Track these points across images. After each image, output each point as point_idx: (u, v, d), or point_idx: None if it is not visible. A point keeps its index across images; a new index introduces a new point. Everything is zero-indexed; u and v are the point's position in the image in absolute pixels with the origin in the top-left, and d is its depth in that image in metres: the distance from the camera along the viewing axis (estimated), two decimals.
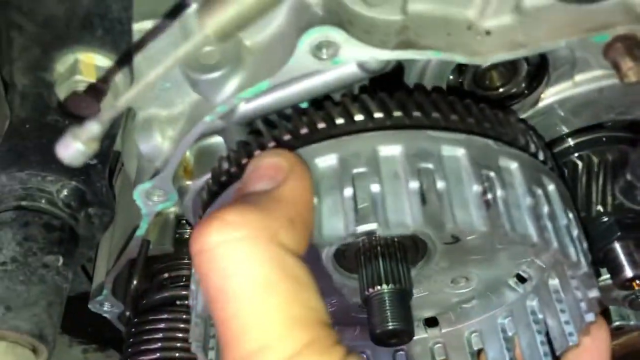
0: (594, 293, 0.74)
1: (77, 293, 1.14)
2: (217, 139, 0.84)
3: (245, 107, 0.77)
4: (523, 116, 0.85)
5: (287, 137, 0.70)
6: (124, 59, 0.74)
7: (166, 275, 1.00)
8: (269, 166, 0.64)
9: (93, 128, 0.58)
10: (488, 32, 0.73)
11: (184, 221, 0.98)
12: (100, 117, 0.59)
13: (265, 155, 0.66)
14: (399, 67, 0.78)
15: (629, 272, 0.87)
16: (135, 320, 0.98)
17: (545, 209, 0.70)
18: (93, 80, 0.75)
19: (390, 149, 0.67)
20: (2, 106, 0.80)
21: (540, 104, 0.84)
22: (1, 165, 0.87)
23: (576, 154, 0.89)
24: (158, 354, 0.93)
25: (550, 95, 0.84)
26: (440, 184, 0.65)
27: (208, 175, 0.80)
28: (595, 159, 0.89)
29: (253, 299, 0.55)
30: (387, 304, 0.69)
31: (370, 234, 0.65)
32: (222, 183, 0.74)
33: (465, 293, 0.86)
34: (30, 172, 0.88)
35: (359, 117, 0.69)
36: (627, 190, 0.84)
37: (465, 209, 0.64)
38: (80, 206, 0.93)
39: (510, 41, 0.72)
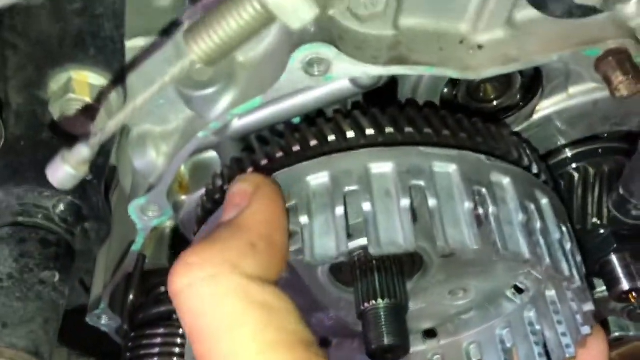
0: (588, 307, 0.74)
1: (75, 306, 1.13)
2: (212, 154, 0.84)
3: (238, 123, 0.78)
4: (518, 128, 0.86)
5: (279, 154, 0.70)
6: (118, 78, 0.75)
7: (162, 289, 0.99)
8: (234, 194, 0.65)
9: (82, 152, 0.59)
10: (480, 47, 0.73)
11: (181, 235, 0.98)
12: (89, 141, 0.59)
13: (233, 183, 0.67)
14: (392, 82, 0.78)
15: (625, 285, 0.87)
16: (132, 334, 0.97)
17: (538, 225, 0.69)
18: (86, 98, 0.75)
19: (382, 166, 0.67)
20: None
21: (535, 116, 0.85)
22: None
23: (573, 166, 0.90)
24: None
25: (546, 107, 0.85)
26: (431, 202, 0.65)
27: (203, 190, 0.80)
28: (591, 171, 0.89)
29: (224, 334, 0.56)
30: (383, 319, 0.68)
31: (363, 249, 0.64)
32: (215, 200, 0.74)
33: (463, 304, 0.85)
34: (27, 187, 0.88)
35: (350, 134, 0.69)
36: (620, 204, 0.84)
37: (457, 227, 0.63)
38: (76, 221, 0.93)
39: (503, 55, 0.72)
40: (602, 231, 0.87)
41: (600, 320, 0.86)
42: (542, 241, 0.68)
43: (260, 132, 0.78)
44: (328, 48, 0.67)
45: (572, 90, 0.82)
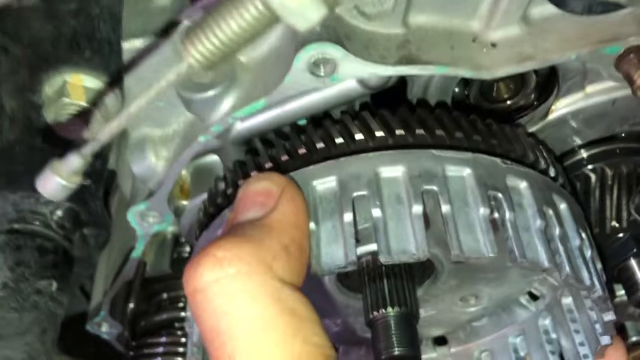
0: (609, 316, 0.71)
1: (77, 313, 1.11)
2: (214, 158, 0.82)
3: (241, 126, 0.75)
4: (533, 129, 0.83)
5: (284, 157, 0.68)
6: (114, 81, 0.72)
7: (165, 295, 0.98)
8: (258, 192, 0.62)
9: (74, 162, 0.56)
10: (494, 45, 0.71)
11: (183, 240, 0.96)
12: (82, 151, 0.56)
13: (253, 181, 0.63)
14: (401, 82, 0.76)
15: None
16: (134, 343, 0.96)
17: (557, 231, 0.67)
18: (82, 102, 0.73)
19: (393, 170, 0.65)
20: None
21: (551, 116, 0.83)
22: None
23: (589, 167, 0.87)
24: None
25: (562, 106, 0.83)
26: (445, 208, 0.63)
27: (205, 195, 0.78)
28: (609, 172, 0.87)
29: (250, 337, 0.53)
30: (393, 328, 0.67)
31: (372, 254, 0.62)
32: (218, 205, 0.72)
33: (475, 311, 0.84)
34: (23, 194, 0.86)
35: (359, 137, 0.67)
36: None
37: (472, 234, 0.61)
38: (74, 227, 0.92)
39: (518, 53, 0.70)
40: (621, 235, 0.86)
41: (617, 325, 0.84)
42: (561, 248, 0.66)
43: (265, 135, 0.76)
44: (334, 48, 0.65)
45: (590, 89, 0.80)
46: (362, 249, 0.66)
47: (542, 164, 0.72)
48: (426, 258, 0.61)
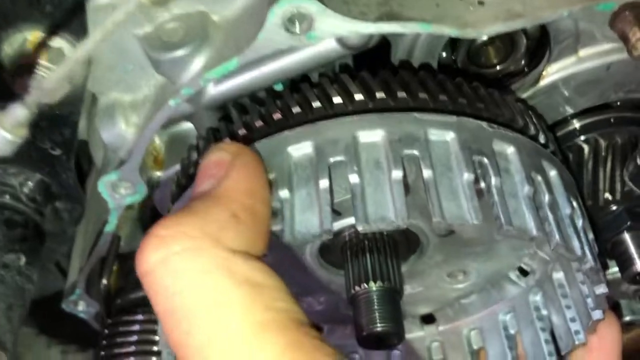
0: (601, 289, 0.69)
1: (54, 291, 1.08)
2: (189, 126, 0.80)
3: (215, 90, 0.73)
4: (523, 96, 0.81)
5: (259, 123, 0.65)
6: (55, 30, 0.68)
7: None
8: (210, 164, 0.60)
9: (18, 113, 0.52)
10: (481, 2, 0.68)
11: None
12: (25, 100, 0.52)
13: (209, 153, 0.61)
14: (384, 43, 0.73)
15: (639, 266, 0.83)
16: (109, 321, 0.92)
17: (546, 198, 0.65)
18: (44, 61, 0.69)
19: (372, 135, 0.62)
20: None
21: (542, 83, 0.81)
22: None
23: (582, 137, 0.85)
24: (132, 359, 0.88)
25: (553, 72, 0.80)
26: (426, 173, 0.60)
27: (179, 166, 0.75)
28: (602, 142, 0.85)
29: (205, 314, 0.50)
30: (375, 304, 0.65)
31: (353, 227, 0.60)
32: (190, 175, 0.69)
33: (463, 288, 0.82)
34: None
35: (337, 100, 0.64)
36: (638, 176, 0.80)
37: (455, 200, 0.59)
38: (46, 200, 0.88)
39: (507, 11, 0.67)
40: (614, 207, 0.84)
41: (611, 303, 0.82)
42: (550, 216, 0.63)
43: (239, 100, 0.73)
44: (311, 2, 0.62)
45: (583, 52, 0.78)
46: (342, 222, 0.65)
47: (532, 130, 0.70)
48: (406, 226, 0.58)
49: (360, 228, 0.58)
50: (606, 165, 0.84)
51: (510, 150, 0.65)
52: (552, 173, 0.68)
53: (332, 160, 0.61)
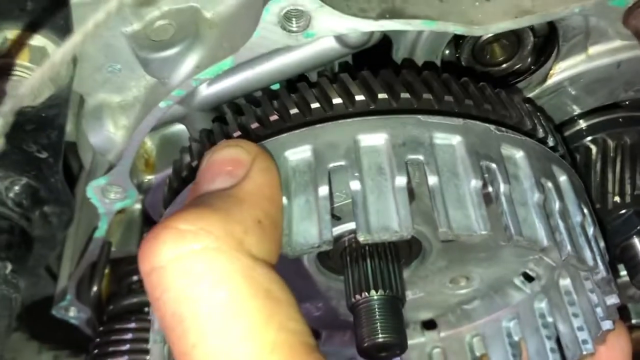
0: (612, 299, 0.68)
1: (45, 296, 1.07)
2: (181, 128, 0.78)
3: (208, 91, 0.71)
4: (529, 95, 0.80)
5: (254, 125, 0.64)
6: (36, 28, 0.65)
7: (135, 277, 0.94)
8: (226, 160, 0.56)
9: None
10: None
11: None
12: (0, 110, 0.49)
13: (220, 148, 0.58)
14: (385, 41, 0.72)
15: None
16: (101, 329, 0.92)
17: (557, 205, 0.63)
18: (25, 62, 0.66)
19: (374, 138, 0.60)
20: None
21: (549, 81, 0.80)
22: None
23: (589, 138, 0.85)
24: None
25: (561, 70, 0.79)
26: (432, 180, 0.58)
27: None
28: (611, 143, 0.84)
29: (217, 325, 0.47)
30: (377, 313, 0.64)
31: (352, 233, 0.59)
32: (183, 179, 0.68)
33: (465, 293, 0.81)
34: None
35: (337, 101, 0.62)
36: None
37: (462, 209, 0.57)
38: (33, 205, 0.85)
39: (515, 7, 0.66)
40: (623, 211, 0.82)
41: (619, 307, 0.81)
42: (561, 225, 0.62)
43: (234, 101, 0.71)
44: None
45: (592, 50, 0.77)
46: (342, 227, 0.64)
47: (541, 132, 0.68)
48: (410, 236, 0.56)
49: (361, 238, 0.56)
50: (615, 167, 0.83)
51: (519, 154, 0.64)
52: (562, 178, 0.66)
53: (331, 165, 0.60)
